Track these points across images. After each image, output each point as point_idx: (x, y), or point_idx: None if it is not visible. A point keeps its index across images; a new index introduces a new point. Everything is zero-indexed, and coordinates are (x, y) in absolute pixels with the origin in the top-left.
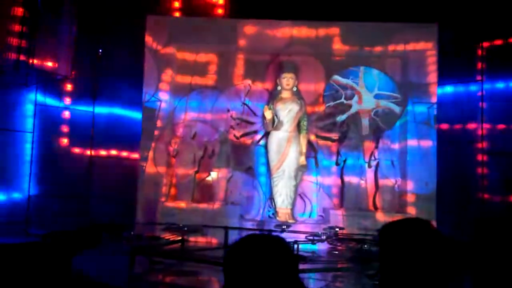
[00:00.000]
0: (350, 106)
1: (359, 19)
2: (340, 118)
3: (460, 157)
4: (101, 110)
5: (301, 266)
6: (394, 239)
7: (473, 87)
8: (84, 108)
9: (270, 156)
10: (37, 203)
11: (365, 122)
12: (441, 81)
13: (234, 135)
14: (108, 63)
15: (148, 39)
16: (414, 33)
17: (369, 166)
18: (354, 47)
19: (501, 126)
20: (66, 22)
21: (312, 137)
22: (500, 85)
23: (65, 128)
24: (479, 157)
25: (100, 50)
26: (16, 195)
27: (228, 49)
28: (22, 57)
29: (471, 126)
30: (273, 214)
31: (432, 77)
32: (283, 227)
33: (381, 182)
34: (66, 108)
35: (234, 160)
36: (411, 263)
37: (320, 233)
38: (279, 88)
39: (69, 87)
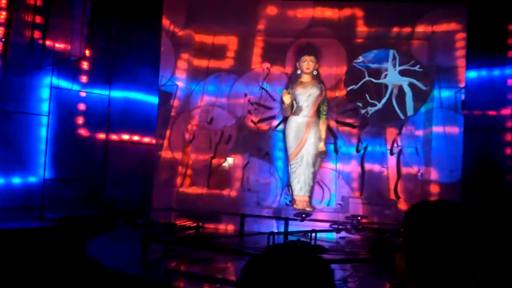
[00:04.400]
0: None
1: None
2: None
3: (488, 145)
4: (117, 93)
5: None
6: (422, 221)
7: (503, 71)
8: (99, 92)
9: (288, 142)
10: (53, 187)
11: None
12: (470, 65)
13: (252, 120)
14: (124, 46)
15: (165, 21)
16: (442, 14)
17: (391, 154)
18: (379, 29)
19: None
20: (79, 3)
21: (332, 123)
22: None
23: (80, 112)
24: (508, 145)
25: (113, 31)
26: (32, 179)
27: (248, 31)
28: (36, 39)
29: (501, 112)
30: (290, 201)
31: (461, 60)
32: (303, 215)
33: (404, 170)
34: (81, 91)
35: (251, 146)
36: (442, 249)
37: (344, 222)
38: (298, 71)
39: (84, 69)
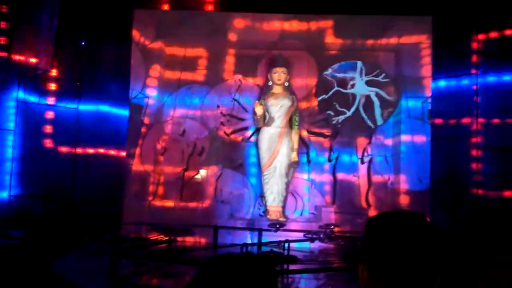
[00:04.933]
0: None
1: (352, 12)
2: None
3: (455, 153)
4: (86, 107)
5: (295, 267)
6: (381, 231)
7: (468, 81)
8: (68, 105)
9: (261, 153)
10: (19, 204)
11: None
12: (436, 75)
13: (224, 132)
14: (93, 59)
15: (135, 33)
16: (408, 26)
17: (362, 162)
18: (348, 40)
19: (496, 120)
20: (46, 17)
21: (304, 133)
22: (495, 78)
23: (48, 126)
24: (474, 152)
25: (83, 43)
26: None
27: (218, 43)
28: (1, 53)
29: (466, 120)
30: (263, 212)
31: (426, 71)
32: (277, 226)
33: (374, 178)
34: (49, 105)
35: (224, 157)
36: (401, 258)
37: (317, 231)
38: (270, 83)
39: (52, 84)
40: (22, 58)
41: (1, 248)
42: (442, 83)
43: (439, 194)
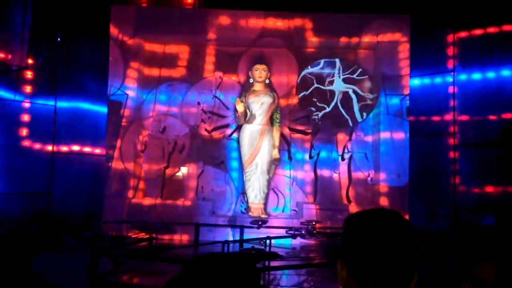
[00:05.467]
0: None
1: (330, 10)
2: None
3: (433, 149)
4: (63, 104)
5: (276, 263)
6: (358, 230)
7: (445, 79)
8: (44, 102)
9: (243, 150)
10: None
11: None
12: (414, 73)
13: (205, 129)
14: (70, 55)
15: (113, 29)
16: (386, 24)
17: (343, 159)
18: (327, 38)
19: (473, 118)
20: (20, 12)
21: (285, 130)
22: (473, 76)
23: (24, 124)
24: (451, 149)
25: (59, 39)
26: None
27: (198, 40)
28: None
29: (444, 118)
30: (245, 209)
31: (405, 69)
32: (259, 223)
33: (354, 175)
34: (24, 102)
35: (205, 154)
36: (377, 255)
37: (299, 228)
38: (251, 80)
39: (27, 79)
40: None
41: None
42: (420, 81)
43: (417, 190)
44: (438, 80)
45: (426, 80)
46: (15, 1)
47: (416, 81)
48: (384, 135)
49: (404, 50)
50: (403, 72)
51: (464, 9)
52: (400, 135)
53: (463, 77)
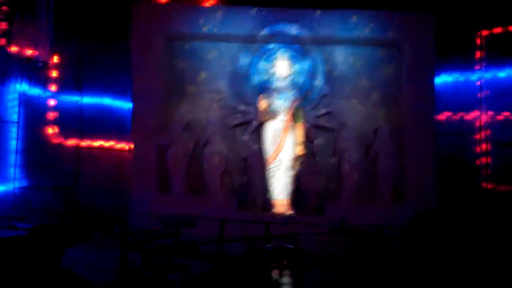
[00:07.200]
0: None
1: (355, 6)
2: None
3: (460, 148)
4: (89, 99)
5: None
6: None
7: (472, 77)
8: (70, 98)
9: (266, 146)
10: (24, 196)
11: None
12: (440, 71)
13: (229, 125)
14: (95, 51)
15: (137, 27)
16: (411, 22)
17: (368, 156)
18: (351, 34)
19: (500, 116)
20: (43, 8)
21: (309, 126)
22: (500, 74)
23: (51, 119)
24: (478, 148)
25: (83, 35)
26: (2, 188)
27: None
28: (1, 46)
29: (470, 116)
30: (270, 205)
31: (430, 67)
32: (287, 219)
33: (380, 172)
34: (51, 98)
35: (229, 149)
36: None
37: (325, 224)
38: (274, 76)
39: (53, 75)
40: (21, 50)
41: (8, 240)
42: (446, 79)
43: (444, 189)
44: (465, 78)
45: (453, 79)
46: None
47: (442, 79)
48: (411, 133)
49: (429, 48)
50: (429, 70)
51: (492, 6)
52: (426, 134)
53: (490, 74)
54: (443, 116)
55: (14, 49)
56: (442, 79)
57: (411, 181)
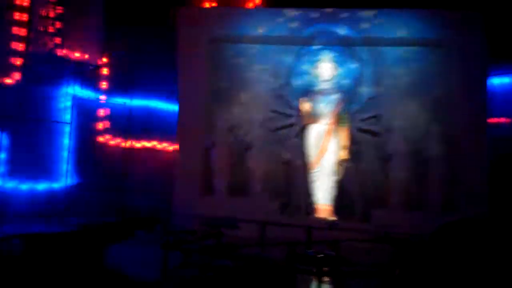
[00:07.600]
0: None
1: (401, 5)
2: None
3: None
4: (137, 101)
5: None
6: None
7: None
8: (119, 100)
9: (309, 150)
10: (75, 193)
11: None
12: (492, 72)
13: (272, 128)
14: (143, 55)
15: (182, 30)
16: (459, 22)
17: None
18: (398, 34)
19: None
20: (95, 13)
21: (353, 130)
22: None
23: (101, 120)
24: None
25: (132, 39)
26: (55, 185)
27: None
28: (54, 50)
29: None
30: (313, 210)
31: (482, 67)
32: (332, 224)
33: (431, 178)
34: (102, 99)
35: (272, 153)
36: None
37: (370, 231)
38: (318, 78)
39: (104, 77)
40: (73, 53)
41: (60, 235)
42: (499, 80)
43: (495, 196)
44: None
45: (507, 80)
46: (88, 3)
47: (495, 81)
48: (462, 137)
49: (480, 48)
50: (480, 71)
51: None
52: (478, 137)
53: None
54: (494, 119)
55: (65, 52)
56: (498, 81)
57: (463, 188)
